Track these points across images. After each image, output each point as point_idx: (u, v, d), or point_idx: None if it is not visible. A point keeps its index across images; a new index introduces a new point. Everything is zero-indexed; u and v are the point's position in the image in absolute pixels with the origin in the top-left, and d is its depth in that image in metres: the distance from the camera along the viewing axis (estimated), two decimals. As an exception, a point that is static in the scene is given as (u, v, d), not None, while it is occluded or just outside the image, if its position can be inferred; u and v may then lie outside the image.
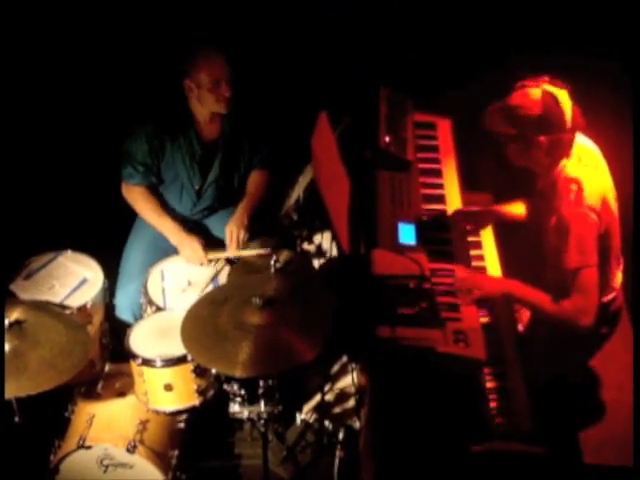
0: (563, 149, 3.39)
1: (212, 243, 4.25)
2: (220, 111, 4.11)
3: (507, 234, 4.04)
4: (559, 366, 3.63)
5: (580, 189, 3.36)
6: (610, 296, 3.59)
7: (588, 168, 3.45)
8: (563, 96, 3.32)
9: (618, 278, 3.63)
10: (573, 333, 3.46)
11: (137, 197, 4.27)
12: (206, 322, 3.47)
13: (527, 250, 3.79)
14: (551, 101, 3.30)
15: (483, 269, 3.75)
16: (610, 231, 3.46)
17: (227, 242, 4.21)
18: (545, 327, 3.67)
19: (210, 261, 4.15)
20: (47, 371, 3.39)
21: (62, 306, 3.91)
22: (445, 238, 3.78)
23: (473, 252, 3.81)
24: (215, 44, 4.09)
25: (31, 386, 3.34)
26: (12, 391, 3.35)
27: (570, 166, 3.42)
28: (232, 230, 4.20)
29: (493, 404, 3.31)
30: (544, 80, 3.36)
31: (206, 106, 4.10)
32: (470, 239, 3.87)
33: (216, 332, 3.40)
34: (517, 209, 3.89)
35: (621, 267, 3.65)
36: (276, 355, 3.32)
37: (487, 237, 3.94)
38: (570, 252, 3.34)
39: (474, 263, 3.74)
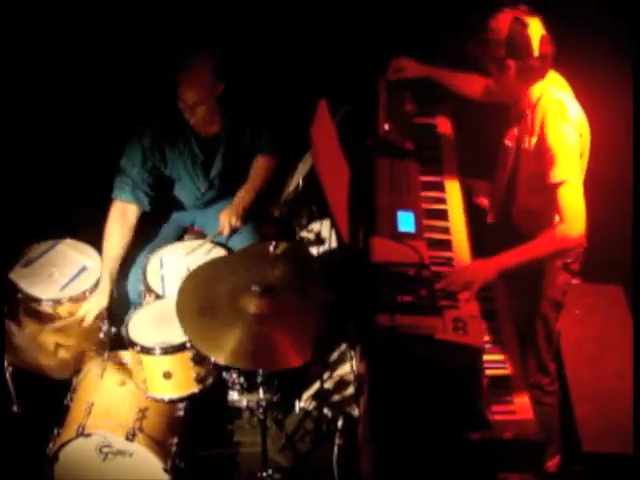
0: (533, 74, 3.46)
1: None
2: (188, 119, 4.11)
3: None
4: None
5: (563, 108, 3.42)
6: None
7: (570, 96, 3.51)
8: (534, 24, 3.39)
9: None
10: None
11: (113, 220, 4.10)
12: (204, 292, 3.49)
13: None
14: (518, 27, 3.38)
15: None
16: (584, 154, 3.51)
17: (219, 228, 4.21)
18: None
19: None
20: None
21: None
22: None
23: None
24: (212, 42, 4.07)
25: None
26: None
27: (552, 92, 3.48)
28: (225, 218, 4.20)
29: (491, 391, 3.32)
30: (520, 9, 3.43)
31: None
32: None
33: (211, 308, 3.42)
34: (463, 81, 4.03)
35: None
36: (262, 351, 3.31)
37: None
38: (557, 165, 3.36)
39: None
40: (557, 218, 3.40)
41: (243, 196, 4.30)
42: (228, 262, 3.82)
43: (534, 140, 3.49)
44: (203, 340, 3.37)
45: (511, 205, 3.68)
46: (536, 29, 3.38)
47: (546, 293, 3.76)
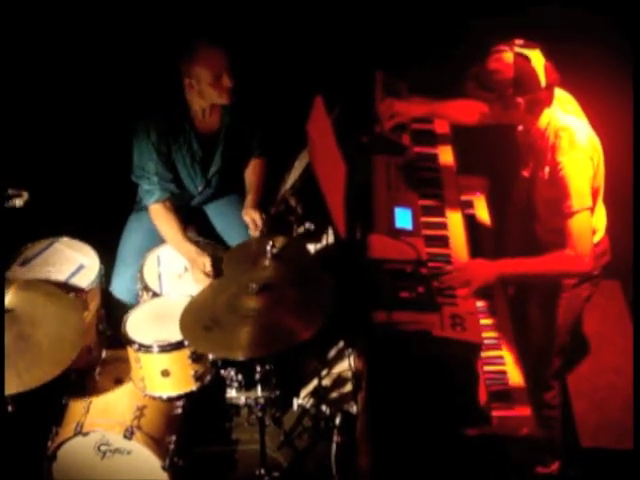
0: (542, 105, 3.44)
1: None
2: (223, 103, 4.06)
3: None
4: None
5: (571, 134, 3.39)
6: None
7: (576, 117, 3.50)
8: (535, 56, 3.35)
9: (602, 220, 3.65)
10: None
11: (159, 219, 4.16)
12: (204, 313, 3.49)
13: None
14: (523, 63, 3.33)
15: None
16: (598, 173, 3.48)
17: (251, 229, 4.17)
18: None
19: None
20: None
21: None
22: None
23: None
24: (211, 36, 4.04)
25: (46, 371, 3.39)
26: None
27: (558, 117, 3.46)
28: (252, 217, 4.17)
29: (489, 388, 3.32)
30: (517, 43, 3.38)
31: (208, 100, 4.04)
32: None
33: (215, 321, 3.42)
34: (460, 111, 3.96)
35: (604, 212, 3.66)
36: (275, 336, 3.35)
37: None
38: (569, 197, 3.35)
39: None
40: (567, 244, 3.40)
41: (253, 198, 4.30)
42: (218, 282, 3.83)
43: (547, 169, 3.45)
44: (219, 347, 3.42)
45: (536, 226, 3.67)
46: (538, 60, 3.34)
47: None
